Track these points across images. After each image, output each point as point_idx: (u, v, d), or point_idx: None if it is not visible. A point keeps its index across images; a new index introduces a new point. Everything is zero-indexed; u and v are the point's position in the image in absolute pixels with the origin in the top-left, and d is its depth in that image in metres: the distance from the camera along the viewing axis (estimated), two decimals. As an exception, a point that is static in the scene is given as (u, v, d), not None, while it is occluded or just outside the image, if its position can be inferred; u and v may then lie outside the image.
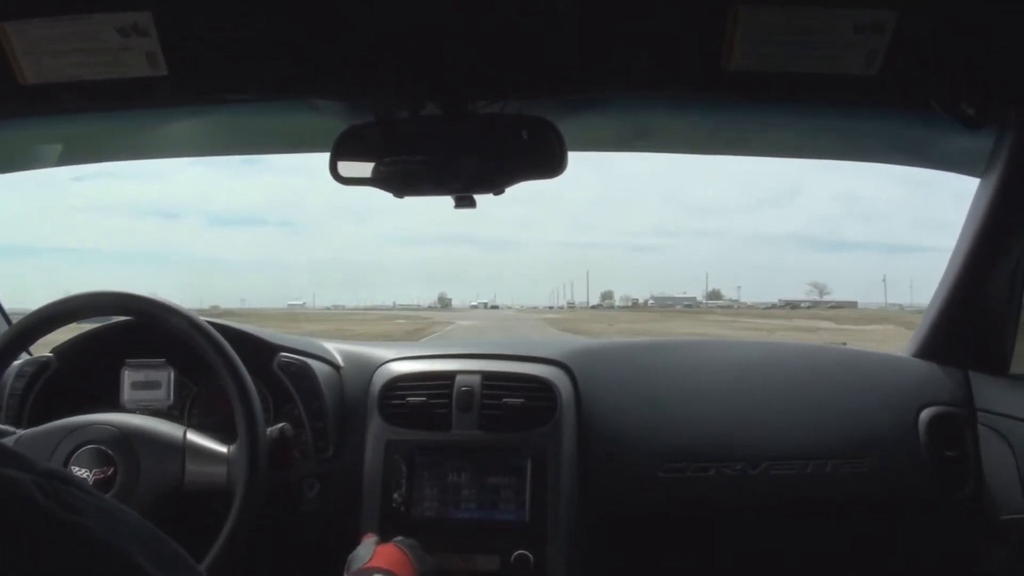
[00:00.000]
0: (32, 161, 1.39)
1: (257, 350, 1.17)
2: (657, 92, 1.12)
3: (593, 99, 1.15)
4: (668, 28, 0.97)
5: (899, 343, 1.41)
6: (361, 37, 0.98)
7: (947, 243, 1.25)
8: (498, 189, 1.07)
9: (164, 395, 1.20)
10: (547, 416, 1.16)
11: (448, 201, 1.11)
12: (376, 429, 1.18)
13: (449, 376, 1.20)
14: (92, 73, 0.98)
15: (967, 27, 0.96)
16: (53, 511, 0.34)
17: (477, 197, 1.09)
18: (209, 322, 1.04)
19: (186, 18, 0.93)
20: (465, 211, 1.12)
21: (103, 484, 0.96)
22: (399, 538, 0.96)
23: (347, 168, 1.05)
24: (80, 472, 0.96)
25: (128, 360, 1.20)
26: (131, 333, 1.20)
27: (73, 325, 1.11)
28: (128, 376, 1.20)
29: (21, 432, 1.03)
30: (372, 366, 1.25)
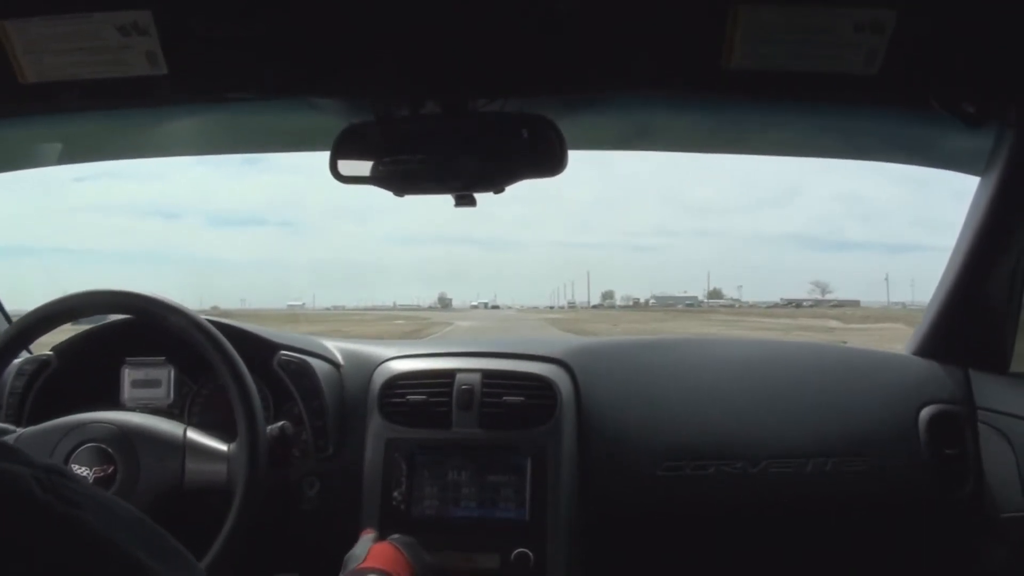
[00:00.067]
0: (32, 160, 1.39)
1: (257, 348, 1.17)
2: (657, 91, 1.12)
3: (593, 98, 1.15)
4: (668, 27, 0.97)
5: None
6: (361, 36, 0.98)
7: (947, 242, 1.25)
8: (498, 188, 1.07)
9: (164, 393, 1.21)
10: (547, 414, 1.16)
11: (448, 200, 1.11)
12: (376, 427, 1.18)
13: (449, 374, 1.20)
14: (92, 72, 0.98)
15: (967, 26, 0.96)
16: (52, 505, 0.34)
17: (477, 196, 1.09)
18: (209, 320, 1.04)
19: (186, 17, 0.93)
20: (465, 211, 1.12)
21: (103, 482, 0.96)
22: (395, 536, 0.96)
23: (347, 167, 1.05)
24: (80, 470, 0.96)
25: (128, 358, 1.21)
26: (131, 331, 1.20)
27: (72, 323, 1.11)
28: (128, 374, 1.21)
29: (21, 430, 1.03)
30: (372, 364, 1.25)
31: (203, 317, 1.04)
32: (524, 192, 1.08)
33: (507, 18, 0.97)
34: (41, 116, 1.16)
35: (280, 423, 1.06)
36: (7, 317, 1.40)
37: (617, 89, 1.11)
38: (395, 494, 1.13)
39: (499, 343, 1.34)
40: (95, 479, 0.95)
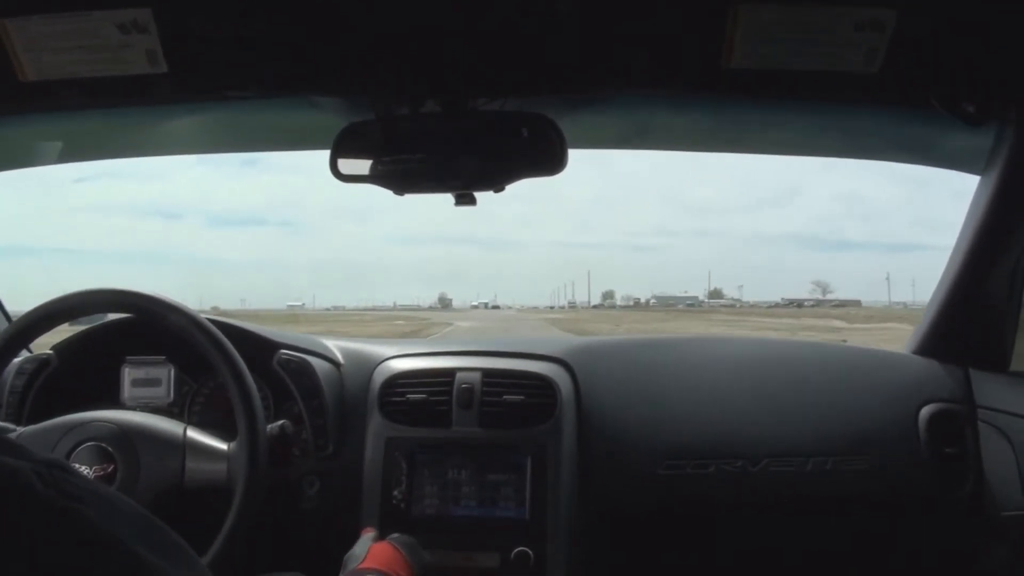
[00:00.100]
0: (32, 158, 1.39)
1: (257, 347, 1.17)
2: (657, 90, 1.12)
3: (593, 97, 1.15)
4: (668, 26, 0.97)
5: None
6: (361, 34, 0.98)
7: (947, 241, 1.25)
8: (498, 187, 1.07)
9: (164, 392, 1.21)
10: (547, 413, 1.16)
11: (448, 199, 1.11)
12: (376, 426, 1.18)
13: (449, 373, 1.20)
14: (92, 70, 0.98)
15: (967, 25, 0.96)
16: (53, 499, 0.34)
17: (477, 195, 1.09)
18: (209, 319, 1.04)
19: (186, 15, 0.93)
20: (465, 210, 1.12)
21: (103, 481, 0.95)
22: (395, 535, 0.96)
23: (347, 165, 1.05)
24: (80, 469, 0.96)
25: (128, 357, 1.21)
26: (131, 330, 1.20)
27: (70, 324, 1.11)
28: (128, 373, 1.21)
29: (21, 429, 1.03)
30: (372, 363, 1.25)
31: (203, 316, 1.04)
32: (524, 192, 1.08)
33: (507, 17, 0.97)
34: (41, 114, 1.16)
35: (280, 422, 1.06)
36: (7, 316, 1.40)
37: (617, 88, 1.11)
38: (395, 493, 1.13)
39: (499, 342, 1.34)
40: (95, 478, 0.95)
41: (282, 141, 1.42)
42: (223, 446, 1.02)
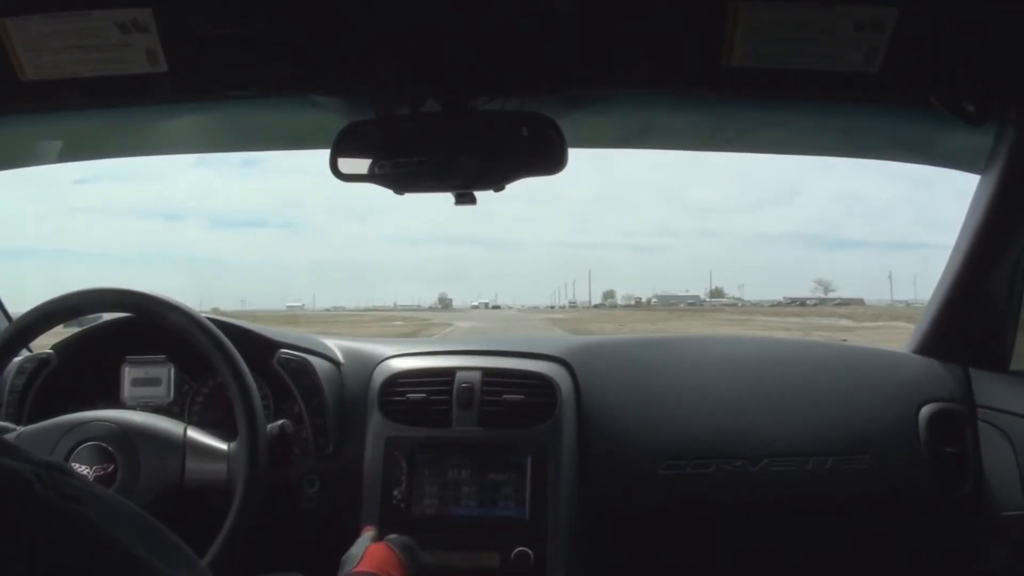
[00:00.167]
0: (32, 158, 1.39)
1: (257, 346, 1.17)
2: (657, 90, 1.12)
3: (593, 96, 1.15)
4: (668, 25, 0.97)
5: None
6: (361, 34, 0.98)
7: (947, 240, 1.25)
8: (498, 186, 1.07)
9: (164, 392, 1.21)
10: (547, 413, 1.16)
11: (448, 198, 1.11)
12: (376, 426, 1.18)
13: (449, 372, 1.20)
14: (92, 69, 0.98)
15: (967, 24, 0.96)
16: (52, 501, 0.34)
17: (477, 194, 1.09)
18: (209, 318, 1.04)
19: (186, 15, 0.94)
20: (466, 210, 1.12)
21: (103, 481, 0.95)
22: (392, 536, 0.95)
23: (347, 165, 1.05)
24: (80, 469, 0.96)
25: (128, 357, 1.21)
26: (131, 330, 1.20)
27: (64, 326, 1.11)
28: (128, 373, 1.21)
29: (21, 429, 1.02)
30: (372, 362, 1.25)
31: (203, 316, 1.04)
32: (524, 191, 1.08)
33: (507, 17, 0.97)
34: (41, 114, 1.16)
35: (280, 421, 1.06)
36: (7, 316, 1.40)
37: (617, 87, 1.12)
38: (395, 493, 1.13)
39: (499, 341, 1.34)
40: (95, 477, 0.95)
41: (282, 141, 1.42)
42: (223, 446, 1.02)
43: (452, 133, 1.06)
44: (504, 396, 1.17)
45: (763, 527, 1.20)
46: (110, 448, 0.98)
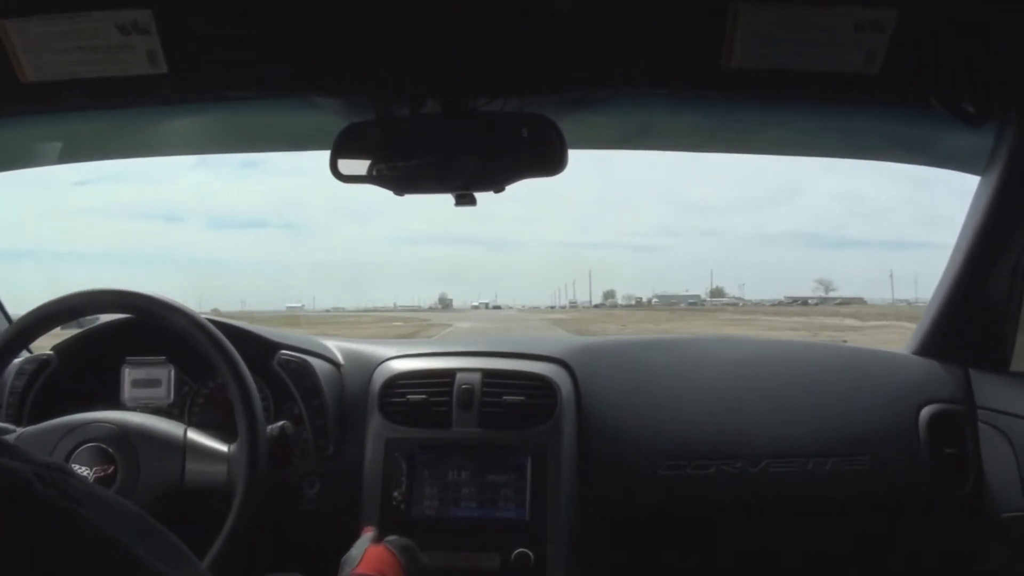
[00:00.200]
0: (32, 159, 1.39)
1: (257, 348, 1.17)
2: (657, 90, 1.12)
3: (593, 97, 1.15)
4: (668, 26, 0.97)
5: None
6: (361, 35, 0.98)
7: (947, 239, 1.25)
8: (498, 187, 1.07)
9: (164, 393, 1.21)
10: (547, 414, 1.16)
11: (448, 199, 1.11)
12: (376, 427, 1.18)
13: (449, 374, 1.20)
14: (92, 71, 0.98)
15: (967, 25, 0.96)
16: (52, 501, 0.34)
17: (477, 195, 1.09)
18: (209, 320, 1.04)
19: (186, 16, 0.93)
20: (466, 211, 1.13)
21: (103, 482, 0.95)
22: (391, 538, 0.95)
23: (347, 166, 1.05)
24: (80, 470, 0.96)
25: (128, 358, 1.21)
26: (131, 331, 1.20)
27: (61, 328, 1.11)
28: (128, 374, 1.21)
29: (21, 430, 1.03)
30: (372, 364, 1.25)
31: (203, 317, 1.04)
32: (524, 192, 1.08)
33: (507, 17, 0.97)
34: (41, 115, 1.16)
35: (280, 423, 1.06)
36: (7, 317, 1.40)
37: (617, 88, 1.12)
38: (395, 494, 1.13)
39: (499, 342, 1.34)
40: (95, 479, 0.95)
41: (282, 142, 1.42)
42: (223, 448, 1.02)
43: (452, 134, 1.06)
44: (504, 397, 1.17)
45: (763, 528, 1.20)
46: (110, 449, 0.98)
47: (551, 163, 1.03)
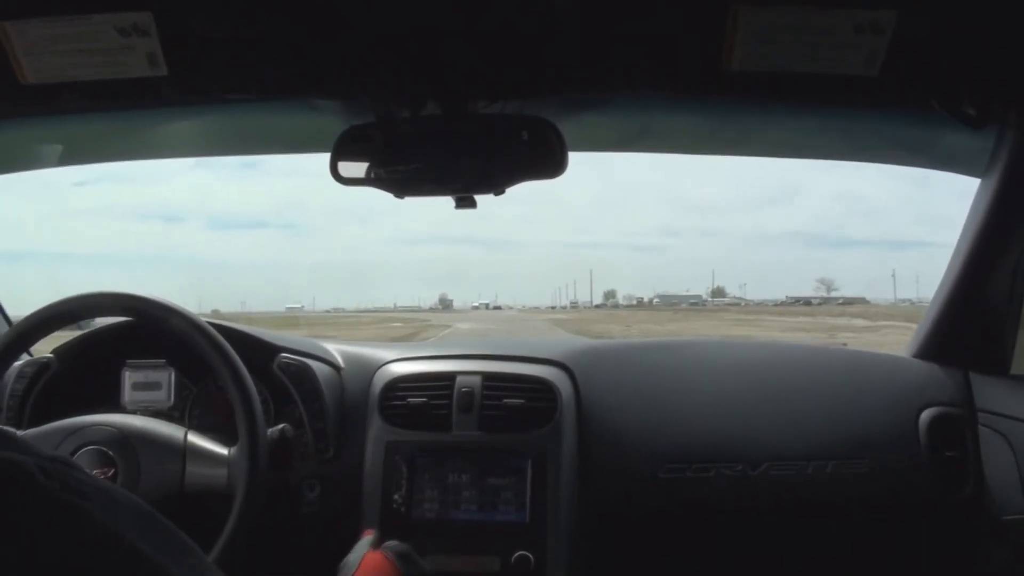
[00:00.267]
0: (32, 161, 1.39)
1: (257, 351, 1.17)
2: (657, 92, 1.12)
3: (593, 99, 1.15)
4: (668, 28, 0.97)
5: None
6: (361, 37, 0.98)
7: (947, 239, 1.24)
8: (498, 190, 1.07)
9: (165, 396, 1.21)
10: (547, 417, 1.16)
11: (449, 201, 1.11)
12: (376, 430, 1.18)
13: (449, 377, 1.20)
14: (92, 73, 0.98)
15: (967, 27, 0.95)
16: (56, 493, 0.33)
17: (478, 197, 1.09)
18: (209, 322, 1.04)
19: (186, 18, 0.93)
20: (466, 212, 1.12)
21: None
22: (389, 543, 0.94)
23: (347, 168, 1.05)
24: None
25: (129, 361, 1.20)
26: (131, 334, 1.20)
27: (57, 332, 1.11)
28: (129, 377, 1.20)
29: (21, 433, 1.03)
30: (372, 367, 1.25)
31: (203, 319, 1.04)
32: (525, 192, 1.08)
33: (507, 19, 0.97)
34: (41, 117, 1.16)
35: (280, 426, 1.06)
36: (7, 320, 1.40)
37: (617, 90, 1.12)
38: (395, 497, 1.13)
39: (499, 345, 1.34)
40: None
41: (282, 144, 1.42)
42: (223, 451, 1.02)
43: (452, 136, 1.06)
44: (504, 400, 1.17)
45: (764, 531, 1.20)
46: (110, 452, 0.98)
47: (551, 165, 1.02)
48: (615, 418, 1.21)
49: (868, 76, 0.98)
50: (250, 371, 1.01)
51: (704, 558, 1.22)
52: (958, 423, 1.19)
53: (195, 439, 1.02)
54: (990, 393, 1.21)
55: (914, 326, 1.36)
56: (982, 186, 1.18)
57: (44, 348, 1.19)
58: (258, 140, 1.41)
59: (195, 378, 1.22)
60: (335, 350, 1.28)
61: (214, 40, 0.97)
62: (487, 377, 1.19)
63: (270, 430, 1.02)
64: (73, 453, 0.98)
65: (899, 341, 1.35)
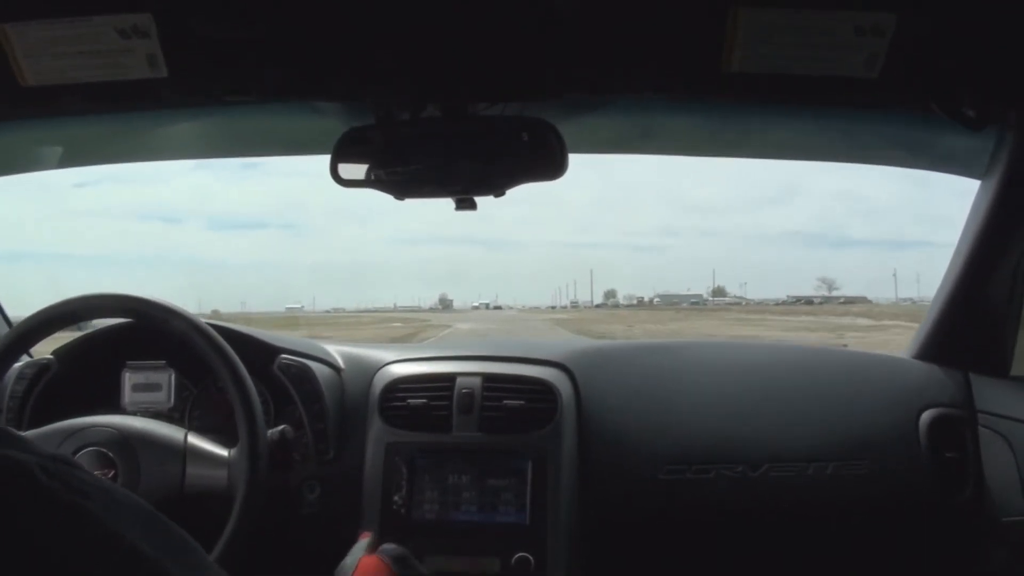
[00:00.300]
0: (32, 163, 1.39)
1: (257, 352, 1.17)
2: (657, 94, 1.12)
3: (593, 101, 1.15)
4: (668, 30, 0.97)
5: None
6: (361, 39, 0.98)
7: (948, 238, 1.25)
8: (498, 191, 1.07)
9: (165, 397, 1.21)
10: (548, 418, 1.16)
11: (449, 202, 1.11)
12: (377, 431, 1.18)
13: (450, 378, 1.20)
14: (92, 75, 0.98)
15: (967, 29, 0.95)
16: (57, 492, 0.34)
17: (478, 199, 1.09)
18: (209, 324, 1.04)
19: (186, 20, 0.93)
20: (466, 212, 1.12)
21: None
22: (386, 547, 0.94)
23: (348, 170, 1.05)
24: None
25: (129, 362, 1.21)
26: (131, 335, 1.20)
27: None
28: (129, 378, 1.21)
29: (21, 434, 1.03)
30: (373, 368, 1.25)
31: (203, 320, 1.04)
32: (525, 193, 1.08)
33: (507, 21, 0.97)
34: (41, 119, 1.16)
35: (281, 427, 1.06)
36: (8, 321, 1.40)
37: (617, 92, 1.12)
38: (395, 498, 1.13)
39: (499, 346, 1.34)
40: None
41: (282, 146, 1.42)
42: (224, 452, 1.02)
43: (452, 138, 1.06)
44: (504, 401, 1.17)
45: (764, 532, 1.20)
46: (110, 454, 0.98)
47: (551, 167, 1.02)
48: (615, 419, 1.21)
49: (868, 78, 0.98)
50: (250, 372, 1.01)
51: (704, 559, 1.22)
52: (958, 424, 1.19)
53: (195, 440, 1.02)
54: (990, 394, 1.21)
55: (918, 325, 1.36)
56: (982, 188, 1.18)
57: (44, 349, 1.19)
58: (258, 142, 1.41)
59: (195, 379, 1.22)
60: (335, 351, 1.28)
61: (214, 42, 0.97)
62: (487, 378, 1.19)
63: (270, 431, 1.02)
64: (73, 454, 0.98)
65: (908, 341, 1.35)
